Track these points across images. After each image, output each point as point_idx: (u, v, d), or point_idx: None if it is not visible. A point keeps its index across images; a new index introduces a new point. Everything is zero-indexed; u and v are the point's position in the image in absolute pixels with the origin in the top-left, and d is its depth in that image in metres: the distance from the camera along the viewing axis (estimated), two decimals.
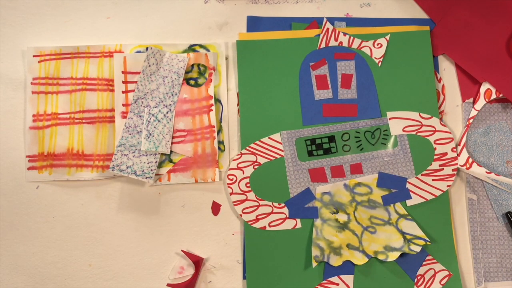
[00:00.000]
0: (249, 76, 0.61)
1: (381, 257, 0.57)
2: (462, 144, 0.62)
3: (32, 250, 0.60)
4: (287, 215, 0.59)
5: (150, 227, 0.60)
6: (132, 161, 0.59)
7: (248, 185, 0.59)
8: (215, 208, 0.61)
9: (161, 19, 0.64)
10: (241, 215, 0.58)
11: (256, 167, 0.60)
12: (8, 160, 0.61)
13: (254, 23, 0.64)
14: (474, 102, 0.64)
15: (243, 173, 0.59)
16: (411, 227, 0.58)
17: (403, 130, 0.61)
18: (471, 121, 0.63)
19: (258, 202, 0.59)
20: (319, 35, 0.62)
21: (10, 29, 0.63)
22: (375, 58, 0.63)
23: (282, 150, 0.60)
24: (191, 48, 0.63)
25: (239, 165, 0.59)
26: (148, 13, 0.65)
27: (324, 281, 0.58)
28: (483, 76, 0.64)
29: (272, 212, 0.59)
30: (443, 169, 0.60)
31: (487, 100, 0.63)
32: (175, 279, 0.59)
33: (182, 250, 0.59)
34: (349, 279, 0.58)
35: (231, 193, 0.59)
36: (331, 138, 0.60)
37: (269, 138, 0.60)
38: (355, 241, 0.58)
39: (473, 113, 0.63)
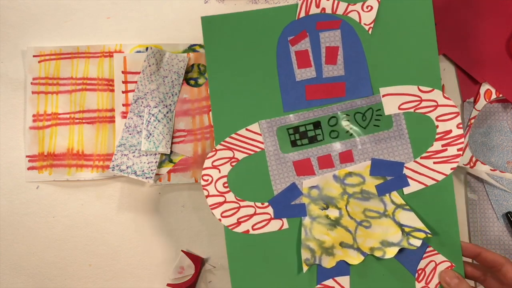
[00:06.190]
0: (219, 59, 0.50)
1: (377, 254, 0.49)
2: (465, 143, 0.62)
3: (32, 250, 0.59)
4: (272, 215, 0.51)
5: (150, 227, 0.60)
6: (132, 161, 0.59)
7: (226, 185, 0.51)
8: None
9: (161, 19, 0.64)
10: (220, 220, 0.50)
11: (233, 164, 0.51)
12: (8, 160, 0.60)
13: None
14: (474, 102, 0.64)
15: (220, 172, 0.51)
16: (409, 218, 0.49)
17: (399, 108, 0.51)
18: (472, 121, 0.63)
19: (238, 204, 0.51)
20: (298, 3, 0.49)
21: (10, 29, 0.63)
22: (365, 24, 0.51)
23: (262, 142, 0.51)
24: (191, 48, 0.63)
25: (214, 163, 0.51)
26: (148, 13, 0.65)
27: (318, 286, 0.50)
28: (483, 77, 0.64)
29: (255, 214, 0.51)
30: (446, 149, 0.50)
31: (487, 100, 0.64)
32: (175, 279, 0.60)
33: (182, 250, 0.59)
34: (345, 280, 0.51)
35: (207, 196, 0.50)
36: (317, 124, 0.51)
37: (246, 129, 0.51)
38: (348, 238, 0.50)
39: (474, 113, 0.63)
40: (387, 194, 0.51)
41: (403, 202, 0.50)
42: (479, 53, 0.60)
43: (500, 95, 0.58)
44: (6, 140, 0.56)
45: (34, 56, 0.57)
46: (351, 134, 0.51)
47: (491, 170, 0.55)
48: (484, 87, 0.59)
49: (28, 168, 0.55)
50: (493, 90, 0.59)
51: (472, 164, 0.56)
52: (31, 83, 0.56)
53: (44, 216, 0.55)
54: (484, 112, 0.59)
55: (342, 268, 0.50)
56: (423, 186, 0.51)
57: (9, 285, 0.54)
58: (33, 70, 0.57)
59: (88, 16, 0.60)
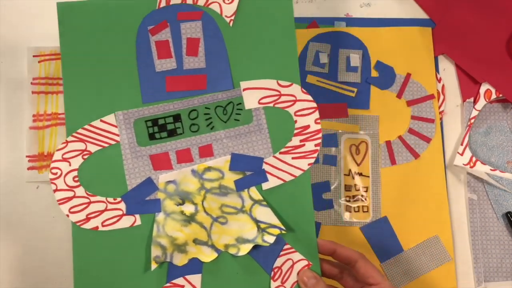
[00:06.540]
0: (75, 47, 0.52)
1: (232, 250, 0.51)
2: (465, 143, 0.62)
3: (32, 250, 0.60)
4: (124, 211, 0.51)
5: None
6: None
7: (76, 179, 0.51)
8: None
9: None
10: (67, 216, 0.51)
11: (85, 156, 0.51)
12: (8, 160, 0.61)
13: None
14: (474, 102, 0.64)
15: (70, 165, 0.51)
16: (265, 214, 0.52)
17: (259, 103, 0.53)
18: (472, 121, 0.63)
19: (88, 199, 0.51)
20: None
21: (10, 29, 0.64)
22: (226, 16, 0.54)
23: (117, 135, 0.52)
24: None
25: (65, 156, 0.51)
26: None
27: (168, 284, 0.51)
28: (483, 77, 0.65)
29: (106, 209, 0.51)
30: (304, 144, 0.53)
31: (487, 100, 0.64)
32: None
33: None
34: (196, 279, 0.51)
35: (54, 190, 0.51)
36: (177, 117, 0.52)
37: (101, 121, 0.52)
38: (203, 235, 0.52)
39: (474, 113, 0.64)
40: (246, 190, 0.53)
41: (261, 198, 0.53)
42: (479, 53, 0.61)
43: (500, 95, 0.60)
44: (6, 140, 0.57)
45: (34, 56, 0.60)
46: (212, 128, 0.53)
47: (491, 170, 0.57)
48: (484, 87, 0.61)
49: (28, 168, 0.56)
50: (493, 90, 0.60)
51: (472, 164, 0.56)
52: (31, 83, 0.59)
53: (44, 216, 0.56)
54: (484, 112, 0.60)
55: (194, 266, 0.51)
56: (281, 182, 0.53)
57: (9, 285, 0.54)
58: (33, 70, 0.59)
59: None
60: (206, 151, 0.53)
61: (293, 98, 0.53)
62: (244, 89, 0.53)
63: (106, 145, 0.52)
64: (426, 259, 0.62)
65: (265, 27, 0.54)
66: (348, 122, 0.65)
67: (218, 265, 0.52)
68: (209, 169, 0.52)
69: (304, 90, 0.53)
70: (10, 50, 0.64)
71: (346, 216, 0.63)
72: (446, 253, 0.62)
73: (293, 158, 0.53)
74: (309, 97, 0.53)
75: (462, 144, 0.64)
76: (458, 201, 0.64)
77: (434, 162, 0.64)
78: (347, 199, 0.63)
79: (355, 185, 0.64)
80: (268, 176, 0.52)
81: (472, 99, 0.66)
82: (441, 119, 0.65)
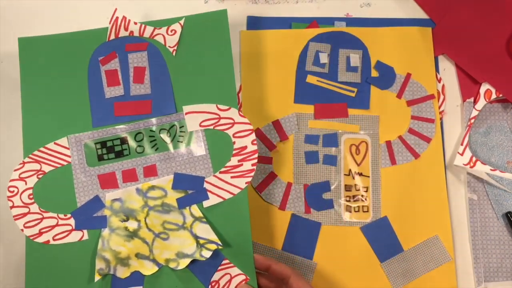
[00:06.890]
0: (34, 76, 0.58)
1: (172, 265, 0.55)
2: (465, 143, 0.62)
3: None
4: (73, 226, 0.56)
5: None
6: None
7: (31, 196, 0.56)
8: None
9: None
10: (22, 230, 0.56)
11: (40, 176, 0.56)
12: (8, 160, 0.61)
13: (254, 23, 0.66)
14: (474, 102, 0.64)
15: (26, 183, 0.56)
16: (205, 231, 0.55)
17: (200, 125, 0.57)
18: (472, 121, 0.63)
19: (42, 215, 0.56)
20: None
21: (10, 29, 0.64)
22: (169, 47, 0.59)
23: (69, 156, 0.57)
24: None
25: (21, 175, 0.56)
26: (148, 13, 0.65)
27: None
28: (483, 77, 0.65)
29: (57, 225, 0.56)
30: (242, 164, 0.57)
31: (487, 100, 0.64)
32: None
33: None
34: None
35: (11, 207, 0.56)
36: (124, 140, 0.57)
37: (55, 143, 0.57)
38: (145, 249, 0.55)
39: (474, 113, 0.64)
40: (187, 207, 0.57)
41: (201, 215, 0.56)
42: (479, 53, 0.61)
43: (500, 95, 0.60)
44: (6, 140, 0.57)
45: None
46: (156, 149, 0.58)
47: (491, 170, 0.57)
48: (484, 87, 0.61)
49: None
50: (493, 90, 0.61)
51: (472, 164, 0.56)
52: None
53: None
54: (484, 112, 0.61)
55: (136, 278, 0.55)
56: (221, 200, 0.57)
57: (9, 285, 0.55)
58: None
59: (89, 16, 0.61)
60: (151, 171, 0.57)
61: (231, 121, 0.57)
62: (186, 113, 0.58)
63: (58, 165, 0.57)
64: (426, 259, 0.62)
65: (205, 56, 0.59)
66: (348, 122, 0.65)
67: (159, 278, 0.55)
68: (153, 187, 0.57)
69: (241, 114, 0.57)
70: (10, 50, 0.65)
71: (346, 216, 0.63)
72: (446, 253, 0.63)
73: (232, 177, 0.56)
74: (246, 120, 0.57)
75: (462, 144, 0.64)
76: (458, 201, 0.64)
77: (434, 162, 0.65)
78: (347, 199, 0.64)
79: (355, 185, 0.64)
80: (209, 194, 0.56)
81: (472, 99, 0.66)
82: (441, 119, 0.66)
